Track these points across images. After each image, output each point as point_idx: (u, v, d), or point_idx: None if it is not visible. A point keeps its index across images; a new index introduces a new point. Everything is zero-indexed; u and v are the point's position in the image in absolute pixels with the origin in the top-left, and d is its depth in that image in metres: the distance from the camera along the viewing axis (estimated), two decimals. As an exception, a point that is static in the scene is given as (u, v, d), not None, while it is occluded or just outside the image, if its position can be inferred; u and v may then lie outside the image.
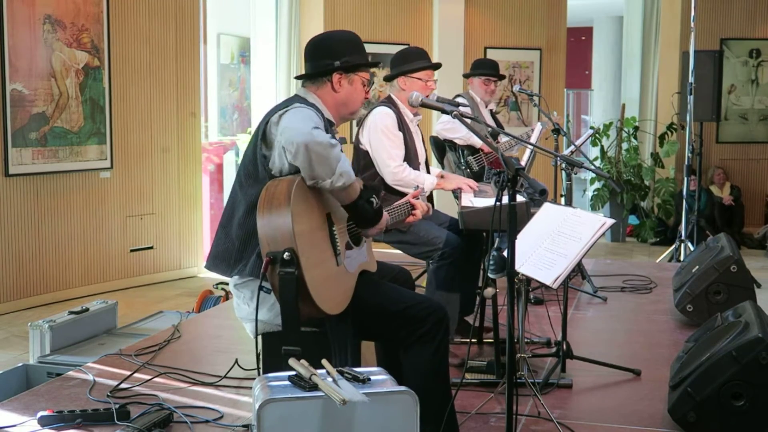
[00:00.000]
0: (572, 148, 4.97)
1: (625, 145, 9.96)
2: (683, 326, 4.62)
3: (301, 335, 2.53)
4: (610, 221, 3.00)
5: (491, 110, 5.65)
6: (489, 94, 5.48)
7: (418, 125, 4.28)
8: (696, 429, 3.02)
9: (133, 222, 7.10)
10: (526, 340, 3.59)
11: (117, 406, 3.11)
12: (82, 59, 6.54)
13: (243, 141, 8.61)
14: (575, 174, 4.92)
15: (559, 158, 4.17)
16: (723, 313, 3.51)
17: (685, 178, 7.68)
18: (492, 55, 9.05)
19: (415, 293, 2.99)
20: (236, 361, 3.72)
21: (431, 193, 4.20)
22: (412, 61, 4.18)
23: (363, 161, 4.08)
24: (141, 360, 3.89)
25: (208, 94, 8.52)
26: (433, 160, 5.43)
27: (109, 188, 6.89)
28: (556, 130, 4.84)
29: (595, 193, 9.87)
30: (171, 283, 7.22)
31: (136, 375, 3.67)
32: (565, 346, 3.73)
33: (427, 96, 3.92)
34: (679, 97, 8.88)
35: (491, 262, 2.79)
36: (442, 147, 5.30)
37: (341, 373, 2.27)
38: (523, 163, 4.23)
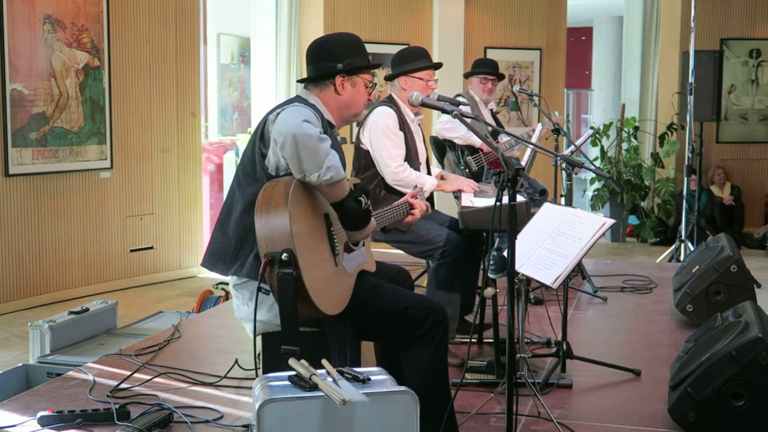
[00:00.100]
0: (572, 148, 4.97)
1: (625, 145, 9.96)
2: (683, 326, 4.62)
3: (300, 335, 2.53)
4: (610, 221, 3.00)
5: (491, 110, 5.66)
6: (487, 92, 5.48)
7: (419, 125, 4.28)
8: (696, 429, 3.02)
9: (133, 222, 7.10)
10: (526, 340, 3.59)
11: (117, 406, 3.11)
12: (82, 59, 6.54)
13: (243, 141, 8.61)
14: (575, 174, 4.91)
15: (559, 158, 4.17)
16: (723, 313, 3.51)
17: (685, 178, 7.68)
18: (492, 55, 9.05)
19: (414, 293, 2.99)
20: (236, 361, 3.72)
21: (431, 193, 4.20)
22: (413, 60, 4.18)
23: (364, 161, 4.08)
24: (141, 360, 3.89)
25: (208, 94, 8.52)
26: (434, 160, 5.43)
27: (109, 188, 6.89)
28: (556, 130, 4.84)
29: (595, 193, 9.87)
30: (171, 283, 7.22)
31: (136, 375, 3.67)
32: (565, 346, 3.73)
33: (428, 96, 3.92)
34: (679, 97, 8.88)
35: (491, 262, 2.79)
36: (442, 147, 5.30)
37: (341, 373, 2.28)
38: (523, 163, 4.23)
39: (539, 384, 3.40)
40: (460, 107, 2.99)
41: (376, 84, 3.24)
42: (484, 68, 5.51)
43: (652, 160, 9.91)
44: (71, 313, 4.41)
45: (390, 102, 4.14)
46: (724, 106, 9.84)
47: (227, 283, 2.91)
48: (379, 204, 3.73)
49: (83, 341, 4.38)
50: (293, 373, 2.26)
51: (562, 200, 5.06)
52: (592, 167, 3.43)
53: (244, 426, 3.10)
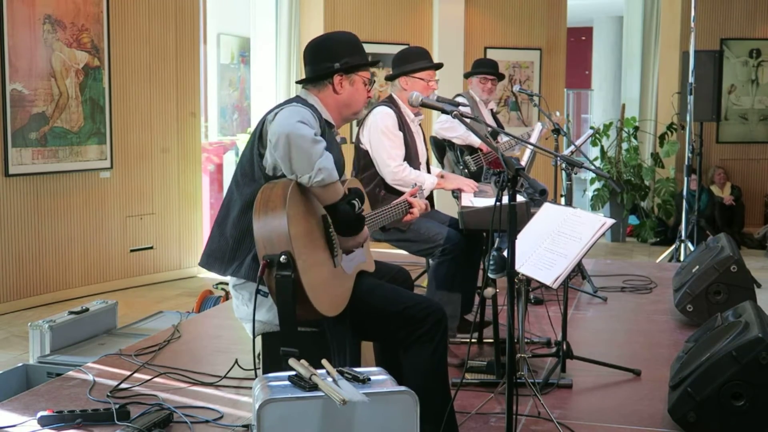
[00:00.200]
0: (572, 148, 4.97)
1: (625, 145, 9.96)
2: (683, 326, 4.62)
3: (299, 335, 2.53)
4: (610, 221, 3.00)
5: (492, 110, 5.66)
6: (487, 92, 5.48)
7: (419, 125, 4.28)
8: (696, 429, 3.02)
9: (133, 222, 7.10)
10: (526, 340, 3.59)
11: (117, 406, 3.11)
12: (82, 59, 6.54)
13: (243, 141, 8.61)
14: (575, 174, 4.92)
15: (559, 158, 4.17)
16: (723, 313, 3.51)
17: (685, 178, 7.68)
18: (492, 55, 9.05)
19: (413, 293, 2.99)
20: (236, 361, 3.72)
21: (431, 192, 4.20)
22: (414, 61, 4.18)
23: (363, 161, 4.08)
24: (141, 360, 3.89)
25: (208, 94, 8.52)
26: (434, 160, 5.44)
27: (109, 188, 6.89)
28: (556, 130, 4.84)
29: (595, 193, 9.87)
30: (171, 283, 7.22)
31: (136, 375, 3.67)
32: (565, 346, 3.73)
33: (428, 96, 3.92)
34: (679, 97, 8.88)
35: (491, 262, 2.79)
36: (441, 147, 5.30)
37: (341, 373, 2.28)
38: (523, 163, 4.23)
39: (539, 384, 3.40)
40: (460, 107, 2.99)
41: (375, 81, 3.24)
42: (484, 68, 5.52)
43: (652, 160, 9.91)
44: (71, 313, 4.41)
45: (390, 102, 4.14)
46: (724, 106, 9.84)
47: (227, 283, 2.91)
48: (379, 204, 3.73)
49: (83, 341, 4.38)
50: (293, 373, 2.26)
51: (562, 200, 5.06)
52: (592, 167, 3.44)
53: (244, 426, 3.10)
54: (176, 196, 7.43)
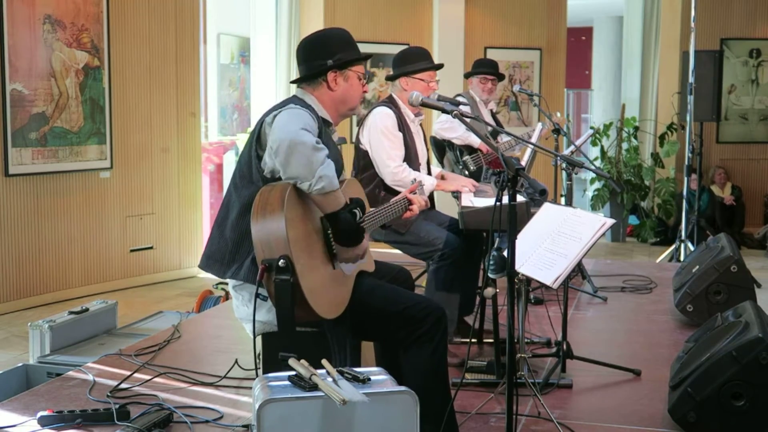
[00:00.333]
0: (572, 148, 4.97)
1: (625, 145, 9.96)
2: (683, 326, 4.62)
3: (299, 336, 2.53)
4: (610, 221, 3.00)
5: (492, 110, 5.66)
6: (487, 92, 5.48)
7: (420, 125, 4.27)
8: (696, 429, 3.02)
9: (133, 222, 7.10)
10: (526, 340, 3.59)
11: (117, 406, 3.11)
12: (82, 59, 6.54)
13: (243, 141, 8.61)
14: (575, 174, 4.92)
15: (559, 158, 4.17)
16: (723, 313, 3.51)
17: (686, 178, 7.68)
18: (492, 55, 9.05)
19: (413, 293, 2.99)
20: (236, 361, 3.72)
21: (431, 192, 4.20)
22: (415, 61, 4.17)
23: (363, 161, 4.08)
24: (141, 360, 3.89)
25: (208, 94, 8.52)
26: (434, 160, 5.44)
27: (109, 188, 6.89)
28: (556, 130, 4.84)
29: (596, 193, 9.87)
30: (171, 283, 7.22)
31: (136, 375, 3.67)
32: (565, 346, 3.73)
33: (428, 96, 3.92)
34: (679, 97, 8.88)
35: (491, 262, 2.79)
36: (441, 147, 5.30)
37: (341, 373, 2.28)
38: (523, 163, 4.23)
39: (539, 384, 3.40)
40: (460, 107, 2.99)
41: (375, 77, 3.23)
42: (484, 68, 5.52)
43: (652, 160, 9.91)
44: (71, 313, 4.41)
45: (390, 102, 4.13)
46: (724, 106, 9.84)
47: (227, 284, 2.91)
48: (379, 204, 3.73)
49: (83, 341, 4.38)
50: (293, 373, 2.26)
51: (562, 200, 5.06)
52: (592, 167, 3.43)
53: (244, 426, 3.09)
54: (176, 196, 7.43)
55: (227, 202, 2.78)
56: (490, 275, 2.80)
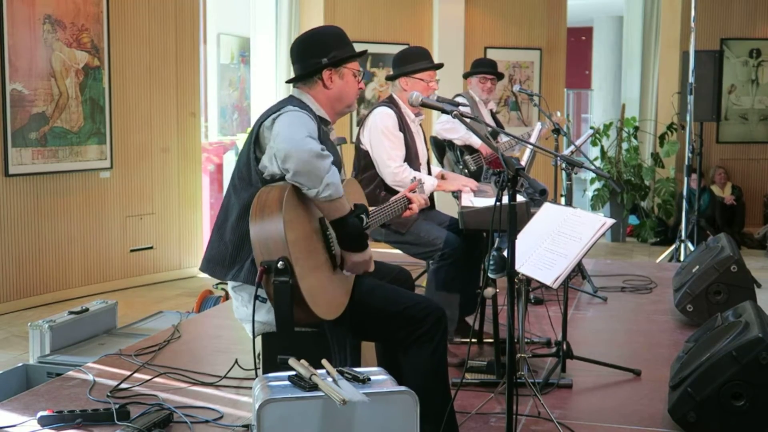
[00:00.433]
0: (572, 148, 4.97)
1: (625, 145, 9.96)
2: (683, 326, 4.62)
3: (300, 336, 2.53)
4: (610, 221, 3.00)
5: (491, 110, 5.66)
6: (487, 92, 5.48)
7: (420, 125, 4.27)
8: (696, 429, 3.02)
9: (133, 222, 7.10)
10: (526, 340, 3.59)
11: (117, 406, 3.11)
12: (82, 59, 6.54)
13: (243, 141, 8.60)
14: (575, 174, 4.92)
15: (559, 158, 4.17)
16: (723, 313, 3.51)
17: (686, 178, 7.68)
18: (492, 55, 9.05)
19: (413, 293, 2.99)
20: (236, 361, 3.72)
21: (432, 193, 4.19)
22: (414, 61, 4.17)
23: (364, 161, 4.08)
24: (141, 360, 3.89)
25: (208, 94, 8.52)
26: (434, 160, 5.44)
27: (109, 188, 6.88)
28: (556, 130, 4.84)
29: (596, 193, 9.87)
30: (171, 283, 7.22)
31: (136, 375, 3.68)
32: (565, 346, 3.73)
33: (428, 96, 3.92)
34: (679, 97, 8.88)
35: (491, 262, 2.79)
36: (441, 147, 5.30)
37: (341, 373, 2.28)
38: (523, 163, 4.22)
39: (539, 384, 3.40)
40: (459, 108, 2.99)
41: (368, 74, 3.24)
42: (483, 68, 5.52)
43: (652, 160, 9.91)
44: (71, 313, 4.41)
45: (390, 102, 4.13)
46: (724, 106, 9.84)
47: (227, 284, 2.91)
48: (379, 205, 3.73)
49: (83, 341, 4.38)
50: (293, 373, 2.26)
51: (562, 200, 5.06)
52: (592, 167, 3.43)
53: (244, 426, 3.10)
54: (176, 196, 7.43)
55: (226, 205, 2.78)
56: (490, 275, 2.80)
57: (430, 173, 4.26)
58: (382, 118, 4.02)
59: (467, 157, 5.16)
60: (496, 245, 2.82)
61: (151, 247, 7.24)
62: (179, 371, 3.73)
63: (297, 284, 2.47)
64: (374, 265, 3.02)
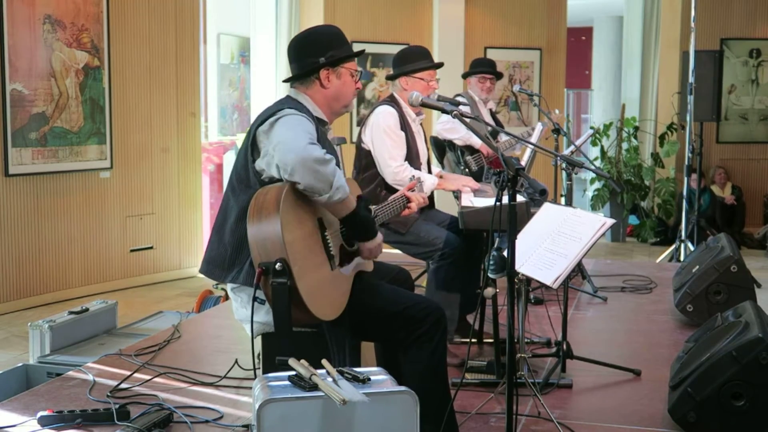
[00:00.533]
0: (572, 148, 4.97)
1: (625, 145, 9.96)
2: (683, 326, 4.62)
3: (298, 339, 2.53)
4: (610, 221, 3.00)
5: (491, 110, 5.66)
6: (486, 91, 5.48)
7: (420, 125, 4.27)
8: (696, 429, 3.02)
9: (133, 222, 7.10)
10: (526, 340, 3.59)
11: (117, 406, 3.11)
12: (82, 59, 6.54)
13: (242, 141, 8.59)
14: (575, 174, 4.91)
15: (559, 158, 4.17)
16: (723, 313, 3.51)
17: (686, 178, 7.68)
18: (492, 55, 9.06)
19: (412, 293, 2.99)
20: (236, 361, 3.72)
21: (432, 192, 4.19)
22: (415, 61, 4.17)
23: (365, 161, 4.08)
24: (141, 360, 3.89)
25: (208, 94, 8.51)
26: (434, 160, 5.44)
27: (109, 188, 6.88)
28: (556, 130, 4.84)
29: (596, 193, 9.87)
30: (171, 283, 7.22)
31: (136, 375, 3.67)
32: (565, 346, 3.72)
33: (428, 96, 3.92)
34: (679, 97, 8.87)
35: (491, 262, 2.79)
36: (442, 147, 5.30)
37: (341, 373, 2.27)
38: (523, 163, 4.23)
39: (539, 384, 3.40)
40: (459, 107, 2.99)
41: (367, 74, 3.24)
42: (482, 67, 5.52)
43: (652, 160, 9.91)
44: (71, 313, 4.41)
45: (391, 101, 4.13)
46: (724, 106, 9.84)
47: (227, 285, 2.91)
48: (379, 204, 3.73)
49: (83, 341, 4.38)
50: (293, 373, 2.26)
51: (562, 200, 5.06)
52: (592, 167, 3.43)
53: (244, 426, 3.09)
54: (176, 196, 7.43)
55: (225, 207, 2.77)
56: (490, 275, 2.80)
57: (430, 173, 4.26)
58: (384, 117, 4.02)
59: (468, 158, 5.16)
60: (496, 245, 2.82)
61: (151, 247, 7.24)
62: (179, 371, 3.73)
63: (295, 285, 2.47)
64: (373, 265, 3.03)
